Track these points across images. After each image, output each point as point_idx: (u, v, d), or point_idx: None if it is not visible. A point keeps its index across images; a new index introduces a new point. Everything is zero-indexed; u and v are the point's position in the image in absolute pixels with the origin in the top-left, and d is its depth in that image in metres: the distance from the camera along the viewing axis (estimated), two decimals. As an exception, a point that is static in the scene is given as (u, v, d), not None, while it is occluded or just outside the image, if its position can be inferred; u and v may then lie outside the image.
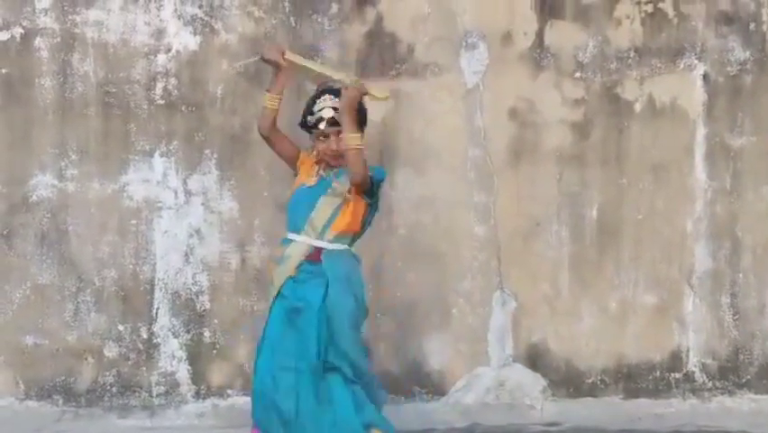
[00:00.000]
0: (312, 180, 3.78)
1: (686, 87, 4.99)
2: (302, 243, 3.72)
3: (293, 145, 3.85)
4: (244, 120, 4.78)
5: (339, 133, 3.73)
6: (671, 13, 4.99)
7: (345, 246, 3.75)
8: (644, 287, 5.00)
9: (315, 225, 3.71)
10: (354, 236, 3.78)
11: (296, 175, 3.86)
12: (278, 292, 3.73)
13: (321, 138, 3.75)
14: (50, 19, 4.71)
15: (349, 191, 3.71)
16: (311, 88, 4.64)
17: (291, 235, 3.75)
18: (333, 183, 3.74)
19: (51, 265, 4.72)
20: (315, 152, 3.82)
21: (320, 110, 3.74)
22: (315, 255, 3.71)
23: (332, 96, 3.76)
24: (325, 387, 3.67)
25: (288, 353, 3.66)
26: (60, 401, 4.71)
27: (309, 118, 3.77)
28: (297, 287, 3.70)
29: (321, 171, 3.79)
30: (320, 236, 3.72)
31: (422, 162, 4.78)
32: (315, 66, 3.95)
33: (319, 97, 3.77)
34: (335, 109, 3.72)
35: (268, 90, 3.83)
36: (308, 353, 3.66)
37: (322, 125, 3.73)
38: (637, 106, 4.99)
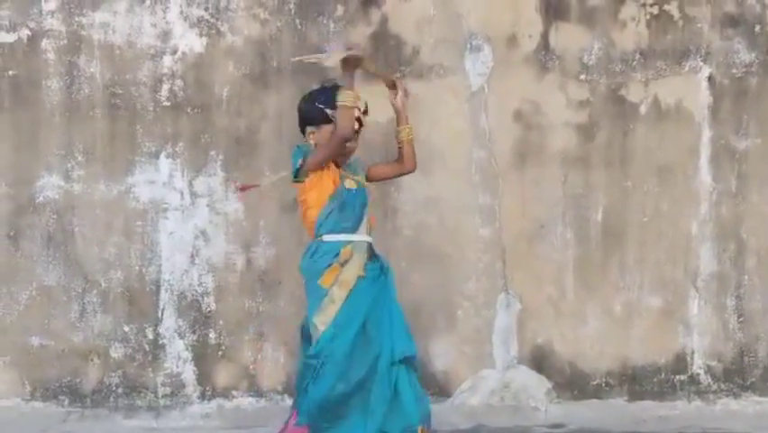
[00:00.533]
0: (351, 182, 3.88)
1: (691, 90, 4.97)
2: (364, 242, 3.87)
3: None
4: (250, 122, 4.80)
5: (357, 132, 3.89)
6: (676, 15, 4.98)
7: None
8: (648, 289, 4.99)
9: (368, 222, 3.91)
10: None
11: (296, 178, 3.89)
12: (351, 290, 3.79)
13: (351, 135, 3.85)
14: (57, 21, 4.73)
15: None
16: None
17: (350, 237, 3.85)
18: (363, 179, 3.95)
19: (57, 266, 4.74)
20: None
21: (362, 109, 3.89)
22: (373, 251, 3.90)
23: (358, 95, 3.85)
24: (396, 381, 3.82)
25: (367, 351, 3.79)
26: (66, 402, 4.73)
27: (332, 112, 3.81)
28: (366, 284, 3.83)
29: (345, 171, 3.91)
30: (369, 233, 3.93)
31: (427, 164, 4.76)
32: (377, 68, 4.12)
33: (356, 94, 3.83)
34: (359, 109, 3.86)
35: (349, 89, 3.79)
36: (384, 347, 3.80)
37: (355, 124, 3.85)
38: (642, 109, 4.98)
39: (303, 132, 3.94)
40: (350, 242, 3.83)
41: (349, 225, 3.84)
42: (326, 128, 3.84)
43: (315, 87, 4.25)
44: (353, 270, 3.80)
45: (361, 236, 3.87)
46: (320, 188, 3.84)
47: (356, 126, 3.84)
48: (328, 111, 3.81)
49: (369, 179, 4.03)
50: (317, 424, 3.76)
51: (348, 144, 3.86)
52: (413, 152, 4.09)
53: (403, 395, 3.80)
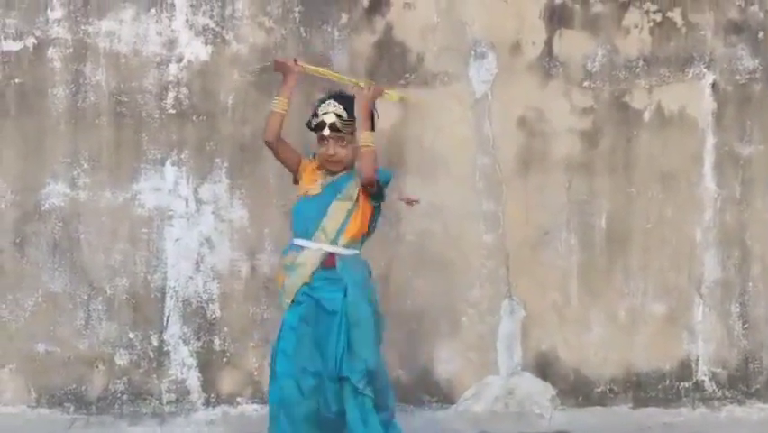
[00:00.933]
0: (317, 188, 3.83)
1: (695, 96, 5.00)
2: (316, 249, 3.78)
3: (295, 152, 3.96)
4: (255, 129, 4.82)
5: (339, 139, 3.83)
6: (679, 22, 5.00)
7: (357, 251, 3.84)
8: (653, 296, 5.00)
9: (327, 230, 3.79)
10: (363, 240, 3.87)
11: (296, 182, 3.95)
12: (293, 300, 3.75)
13: (323, 142, 3.85)
14: (63, 29, 4.77)
15: (358, 195, 3.78)
16: (320, 97, 4.73)
17: (301, 242, 3.81)
18: (343, 188, 3.80)
19: (63, 273, 4.77)
20: (316, 157, 3.91)
21: (324, 114, 3.85)
22: (329, 261, 3.79)
23: (335, 102, 3.85)
24: (340, 395, 3.75)
25: (309, 357, 3.74)
26: (72, 409, 4.75)
27: (313, 120, 3.87)
28: (314, 293, 3.76)
29: (325, 178, 3.83)
30: (333, 242, 3.79)
31: (431, 171, 4.81)
32: (326, 71, 4.08)
33: (324, 102, 3.87)
34: (338, 116, 3.82)
35: (277, 95, 3.93)
36: (327, 359, 3.73)
37: (325, 130, 3.82)
38: (646, 115, 5.00)
39: None
40: (299, 248, 3.81)
41: (299, 229, 3.83)
42: (316, 137, 3.90)
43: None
44: (296, 279, 3.77)
45: (315, 244, 3.80)
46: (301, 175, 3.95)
47: (326, 133, 3.81)
48: (311, 121, 3.89)
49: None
50: (276, 427, 3.79)
51: (328, 165, 3.84)
52: (370, 161, 3.81)
53: (350, 418, 3.75)
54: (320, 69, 4.07)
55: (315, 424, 3.76)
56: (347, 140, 3.85)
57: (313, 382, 3.73)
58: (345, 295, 3.76)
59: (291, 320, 3.78)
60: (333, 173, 3.86)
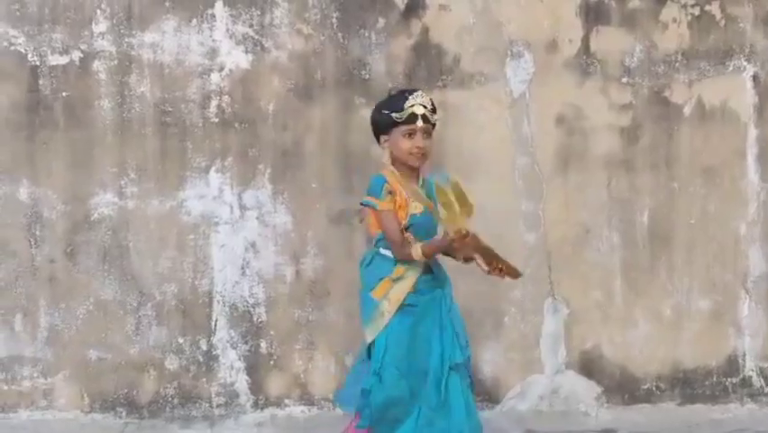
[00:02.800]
0: (419, 207, 3.87)
1: (736, 89, 4.98)
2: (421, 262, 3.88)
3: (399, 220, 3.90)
4: (296, 135, 4.90)
5: (427, 132, 3.85)
6: (718, 15, 4.97)
7: None
8: (698, 292, 4.99)
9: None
10: None
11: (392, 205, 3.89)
12: (402, 304, 3.84)
13: (407, 135, 3.83)
14: (107, 42, 4.86)
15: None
16: (359, 101, 4.79)
17: None
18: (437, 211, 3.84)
19: (113, 281, 4.87)
20: (389, 159, 3.88)
21: (411, 106, 3.83)
22: (427, 268, 3.90)
23: (422, 94, 3.87)
24: (446, 389, 3.83)
25: (420, 359, 3.82)
26: (124, 413, 4.86)
27: (396, 115, 3.83)
28: (418, 297, 3.86)
29: (415, 195, 3.87)
30: None
31: (470, 172, 4.82)
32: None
33: (411, 94, 3.86)
34: (425, 107, 3.83)
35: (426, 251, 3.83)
36: (434, 355, 3.83)
37: (418, 122, 3.81)
38: (686, 110, 4.97)
39: (378, 141, 3.97)
40: (408, 261, 3.87)
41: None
42: (395, 132, 3.87)
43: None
44: (405, 286, 3.86)
45: None
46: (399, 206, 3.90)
47: (419, 124, 3.82)
48: (394, 115, 3.84)
49: None
50: (379, 428, 3.86)
51: (413, 159, 3.86)
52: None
53: (453, 405, 3.83)
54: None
55: (417, 419, 3.83)
56: (431, 132, 3.88)
57: (419, 381, 3.83)
58: (443, 290, 3.92)
59: (401, 326, 3.85)
60: (413, 176, 3.88)
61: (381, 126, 3.89)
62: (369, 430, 3.87)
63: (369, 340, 3.88)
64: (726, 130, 4.98)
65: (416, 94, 3.85)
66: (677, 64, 4.98)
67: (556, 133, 4.96)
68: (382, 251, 3.90)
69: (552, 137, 4.95)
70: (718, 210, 4.98)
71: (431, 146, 3.88)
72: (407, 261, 3.83)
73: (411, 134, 3.82)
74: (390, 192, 3.84)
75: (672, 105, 4.98)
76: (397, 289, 3.86)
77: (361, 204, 3.90)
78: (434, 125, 3.88)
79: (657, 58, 4.98)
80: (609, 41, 4.95)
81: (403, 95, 3.88)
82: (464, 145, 4.91)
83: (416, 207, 3.86)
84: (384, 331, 3.84)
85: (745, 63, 4.97)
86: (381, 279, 3.87)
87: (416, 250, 3.77)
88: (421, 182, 3.93)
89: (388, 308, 3.85)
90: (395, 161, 3.87)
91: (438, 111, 4.61)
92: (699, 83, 4.98)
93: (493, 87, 4.93)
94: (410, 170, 3.88)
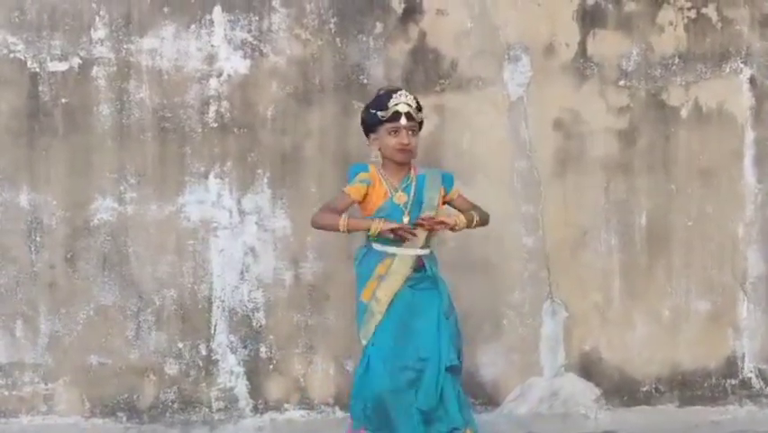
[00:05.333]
0: (402, 197, 4.01)
1: (732, 92, 5.03)
2: (409, 255, 3.98)
3: (350, 202, 4.07)
4: (294, 140, 4.94)
5: (412, 129, 4.03)
6: (714, 17, 5.02)
7: (432, 248, 4.11)
8: (696, 293, 5.03)
9: (420, 235, 3.99)
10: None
11: (360, 201, 4.06)
12: (391, 303, 3.94)
13: (392, 132, 4.02)
14: (106, 48, 4.90)
15: (438, 202, 4.07)
16: (358, 106, 4.82)
17: (393, 249, 3.98)
18: (425, 198, 4.03)
19: (113, 286, 4.90)
20: (376, 152, 4.07)
21: (395, 105, 4.02)
22: (420, 263, 4.03)
23: (406, 93, 4.07)
24: (441, 385, 3.95)
25: (408, 355, 3.92)
26: (124, 418, 4.89)
27: (381, 113, 4.01)
28: (408, 294, 3.97)
29: (399, 184, 4.02)
30: (424, 245, 4.04)
31: (469, 175, 4.87)
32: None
33: (394, 93, 4.05)
34: (410, 105, 4.02)
35: (349, 224, 3.99)
36: (430, 354, 3.93)
37: (401, 120, 4.00)
38: (684, 112, 5.02)
39: (368, 139, 4.15)
40: (392, 255, 3.94)
41: (390, 238, 3.97)
42: (382, 130, 4.03)
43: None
44: (392, 284, 3.92)
45: (407, 250, 3.95)
46: (371, 199, 4.04)
47: (403, 122, 3.98)
48: (380, 113, 4.01)
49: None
50: (374, 426, 3.95)
51: (399, 155, 4.02)
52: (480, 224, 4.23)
53: (448, 402, 3.89)
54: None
55: (411, 416, 3.91)
56: (416, 130, 4.07)
57: (411, 376, 3.90)
58: (438, 291, 4.02)
59: (388, 323, 3.94)
60: (400, 172, 4.03)
61: (369, 124, 4.08)
62: (365, 430, 3.90)
63: (363, 343, 3.93)
64: (724, 132, 5.03)
65: (399, 93, 4.03)
66: (674, 67, 5.02)
67: (554, 136, 5.00)
68: (374, 245, 3.96)
69: (550, 140, 5.00)
70: (716, 212, 5.03)
71: (416, 143, 4.08)
72: (388, 253, 3.94)
73: (396, 132, 4.01)
74: (365, 181, 4.02)
75: (668, 108, 5.03)
76: (384, 287, 3.94)
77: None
78: (420, 123, 4.08)
79: (654, 61, 5.03)
80: (606, 44, 5.01)
81: (388, 94, 4.06)
82: (463, 149, 4.96)
83: (400, 198, 4.01)
84: (374, 332, 3.91)
85: (741, 65, 5.02)
86: (369, 278, 3.93)
87: (343, 220, 3.93)
88: (409, 178, 4.06)
89: (377, 308, 3.92)
90: (383, 157, 4.07)
91: (436, 115, 4.70)
92: (696, 85, 5.03)
93: (491, 90, 4.98)
94: (398, 166, 4.06)
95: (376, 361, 3.90)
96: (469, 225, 4.14)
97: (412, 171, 4.11)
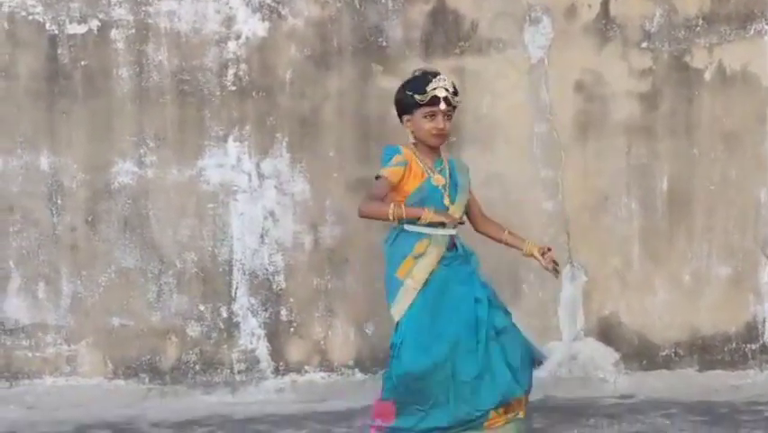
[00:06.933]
0: (440, 179, 4.01)
1: (757, 54, 4.98)
2: (445, 235, 4.00)
3: (391, 186, 4.00)
4: (313, 103, 4.94)
5: (447, 114, 4.01)
6: (739, -23, 4.93)
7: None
8: (717, 258, 5.02)
9: (453, 218, 4.00)
10: None
11: (396, 183, 3.99)
12: (426, 281, 3.95)
13: (428, 116, 3.99)
14: (125, 11, 4.91)
15: (468, 185, 4.11)
16: (376, 69, 4.80)
17: (431, 230, 3.98)
18: (460, 182, 4.06)
19: (134, 249, 4.96)
20: (412, 137, 4.04)
21: (434, 89, 3.98)
22: (452, 244, 4.04)
23: (445, 78, 4.03)
24: (486, 357, 3.93)
25: (444, 330, 3.91)
26: (147, 380, 4.96)
27: (419, 97, 3.98)
28: (443, 272, 3.97)
29: (437, 168, 4.02)
30: (456, 226, 4.04)
31: (489, 139, 4.87)
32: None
33: (434, 77, 4.00)
34: (448, 90, 3.99)
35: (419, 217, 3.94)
36: (463, 327, 3.92)
37: (441, 104, 3.97)
38: (707, 75, 4.98)
39: (401, 120, 4.10)
40: (428, 235, 3.97)
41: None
42: (418, 113, 4.00)
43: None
44: (428, 263, 3.96)
45: (441, 230, 3.98)
46: (408, 181, 4.01)
47: (442, 107, 3.95)
48: (417, 97, 3.97)
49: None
50: (403, 400, 3.96)
51: (433, 139, 4.00)
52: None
53: (496, 369, 3.94)
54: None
55: (444, 391, 3.92)
56: (452, 115, 4.05)
57: (447, 348, 3.90)
58: (471, 266, 4.03)
59: (423, 301, 3.95)
60: (432, 154, 4.03)
61: (404, 106, 4.05)
62: (393, 403, 3.94)
63: (396, 319, 3.96)
64: (747, 95, 4.97)
65: (438, 78, 4.00)
66: (697, 28, 4.96)
67: (575, 99, 4.97)
68: (407, 227, 3.97)
69: (570, 104, 4.97)
70: (738, 176, 5.00)
71: (450, 127, 4.07)
72: (425, 234, 3.94)
73: (433, 116, 3.98)
74: (402, 163, 3.98)
75: (692, 71, 4.98)
76: (420, 266, 3.96)
77: (376, 178, 4.01)
78: (455, 108, 4.04)
79: (677, 22, 4.97)
80: (629, 5, 4.95)
81: (426, 77, 4.02)
82: (482, 112, 4.94)
83: (438, 180, 4.01)
84: (408, 308, 3.93)
85: (766, 27, 4.95)
86: (405, 257, 3.95)
87: (392, 209, 3.88)
88: (442, 161, 4.07)
89: (412, 285, 3.95)
90: (416, 138, 4.04)
91: (455, 78, 4.64)
92: (720, 48, 4.97)
93: (511, 53, 4.95)
94: (430, 149, 4.05)
95: (410, 337, 3.92)
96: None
97: (443, 154, 4.12)
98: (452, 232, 4.02)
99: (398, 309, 3.97)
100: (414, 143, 4.05)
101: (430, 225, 3.94)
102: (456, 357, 3.90)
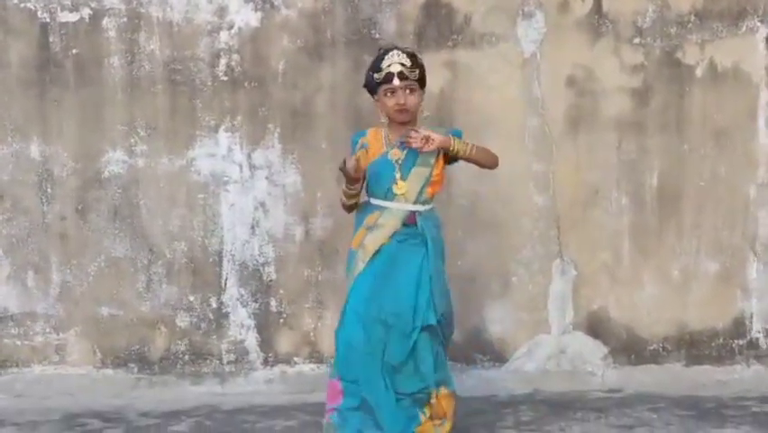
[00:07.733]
0: (396, 153, 3.97)
1: (748, 51, 5.00)
2: (399, 209, 3.95)
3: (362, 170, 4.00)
4: (306, 94, 4.94)
5: (409, 88, 3.93)
6: (731, -25, 4.95)
7: (433, 205, 4.04)
8: (706, 254, 5.06)
9: (408, 192, 3.94)
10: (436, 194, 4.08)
11: (362, 168, 3.98)
12: (374, 254, 3.93)
13: (389, 93, 3.95)
14: (117, -1, 4.89)
15: (436, 159, 3.97)
16: (369, 61, 4.78)
17: (383, 203, 3.97)
18: (418, 155, 3.95)
19: (124, 239, 4.96)
20: (383, 116, 4.00)
21: (388, 66, 3.93)
22: (411, 219, 3.98)
23: (398, 52, 3.95)
24: (413, 344, 3.91)
25: (382, 308, 3.89)
26: (135, 369, 4.97)
27: (376, 75, 3.96)
28: (394, 247, 3.94)
29: (398, 143, 3.97)
30: (416, 201, 3.97)
31: (480, 132, 4.86)
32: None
33: (387, 53, 3.95)
34: (403, 64, 3.91)
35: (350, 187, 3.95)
36: (403, 309, 3.90)
37: (394, 81, 3.91)
38: (698, 71, 5.00)
39: (374, 100, 4.08)
40: (380, 208, 3.96)
41: (382, 192, 3.97)
42: (380, 92, 3.97)
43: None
44: (379, 235, 3.94)
45: (397, 204, 3.94)
46: (370, 160, 4.01)
47: (396, 83, 3.89)
48: (375, 75, 3.95)
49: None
50: (345, 376, 3.95)
51: (398, 115, 3.95)
52: (481, 157, 4.04)
53: (420, 361, 3.93)
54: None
55: (378, 368, 3.90)
56: (414, 88, 3.95)
57: (381, 331, 3.89)
58: (426, 249, 3.94)
59: (369, 271, 3.93)
60: (403, 131, 3.96)
61: (370, 87, 4.03)
62: (339, 381, 3.96)
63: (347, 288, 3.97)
64: (738, 92, 5.00)
65: (392, 53, 3.94)
66: (689, 25, 4.98)
67: (567, 94, 4.99)
68: (371, 199, 4.00)
69: (562, 98, 4.99)
70: (728, 172, 5.03)
71: (416, 101, 3.95)
72: (378, 206, 3.94)
73: (393, 92, 3.93)
74: (361, 147, 3.99)
75: (683, 67, 5.00)
76: (371, 237, 3.96)
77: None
78: (418, 81, 3.94)
79: (670, 18, 4.99)
80: (621, 1, 4.97)
81: (381, 55, 3.98)
82: (474, 106, 4.95)
83: (394, 154, 3.95)
84: (355, 279, 3.95)
85: (758, 24, 4.98)
86: (359, 227, 3.97)
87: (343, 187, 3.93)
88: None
89: (362, 256, 3.94)
90: (387, 118, 4.00)
91: (448, 71, 4.66)
92: (712, 44, 5.00)
93: (504, 47, 4.96)
94: (401, 125, 3.99)
95: (350, 311, 3.93)
96: (466, 152, 3.96)
97: (425, 130, 4.04)
98: (412, 207, 3.93)
99: (349, 281, 3.98)
100: (388, 123, 4.01)
101: (386, 197, 3.93)
102: (389, 340, 3.87)
